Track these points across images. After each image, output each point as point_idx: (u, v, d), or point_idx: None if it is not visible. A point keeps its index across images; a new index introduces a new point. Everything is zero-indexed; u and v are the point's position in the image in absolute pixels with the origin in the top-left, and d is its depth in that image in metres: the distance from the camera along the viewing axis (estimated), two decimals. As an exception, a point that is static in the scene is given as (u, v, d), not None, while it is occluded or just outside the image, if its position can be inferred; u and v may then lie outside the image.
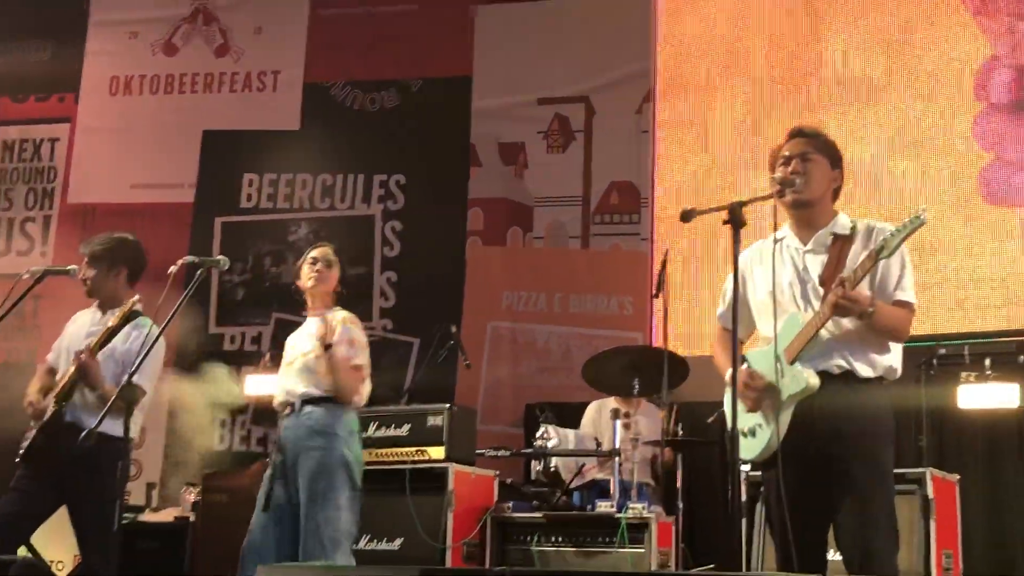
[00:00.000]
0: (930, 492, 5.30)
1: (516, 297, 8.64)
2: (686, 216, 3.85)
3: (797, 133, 4.07)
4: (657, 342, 7.07)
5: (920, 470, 5.40)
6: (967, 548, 5.77)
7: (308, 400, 5.07)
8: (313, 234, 8.77)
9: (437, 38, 9.08)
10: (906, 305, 3.89)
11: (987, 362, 6.57)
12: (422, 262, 8.75)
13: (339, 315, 5.21)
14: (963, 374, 6.60)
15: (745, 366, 3.91)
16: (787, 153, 4.00)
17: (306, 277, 5.25)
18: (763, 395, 3.86)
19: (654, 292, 6.40)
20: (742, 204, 3.78)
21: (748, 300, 4.07)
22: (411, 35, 9.11)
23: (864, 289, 3.82)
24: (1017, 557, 6.64)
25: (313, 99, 9.16)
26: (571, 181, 8.70)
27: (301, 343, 5.24)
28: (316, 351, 5.10)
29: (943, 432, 6.84)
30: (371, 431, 6.09)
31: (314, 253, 5.29)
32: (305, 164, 9.08)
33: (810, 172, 3.95)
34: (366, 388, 5.22)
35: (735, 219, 3.76)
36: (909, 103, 7.48)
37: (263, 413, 7.90)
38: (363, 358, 5.19)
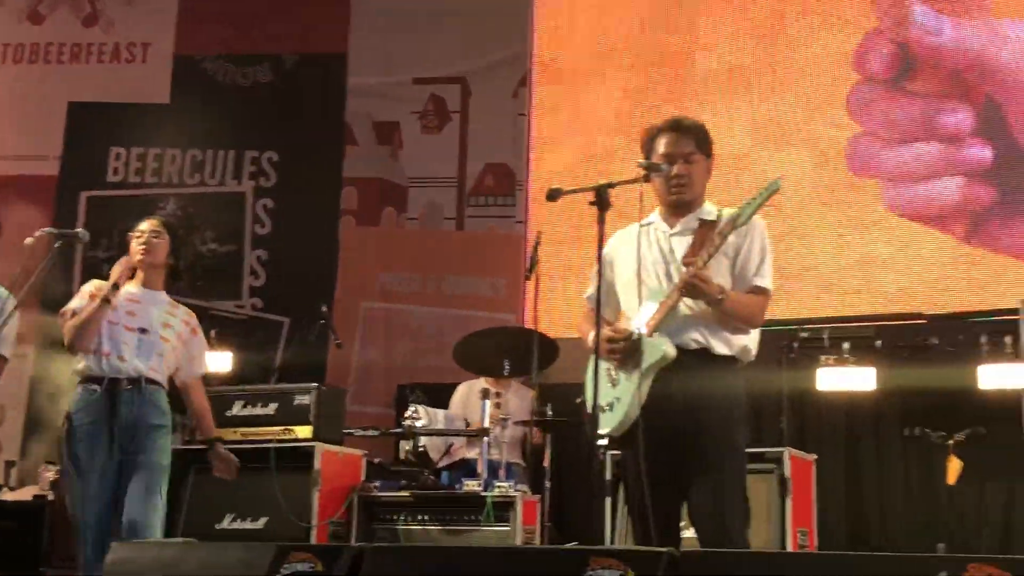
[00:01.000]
0: (787, 471, 5.44)
1: (390, 278, 8.63)
2: (552, 195, 3.87)
3: (676, 127, 4.06)
4: (529, 324, 7.12)
5: (778, 450, 5.54)
6: (823, 526, 5.94)
7: (151, 381, 4.94)
8: (181, 210, 8.64)
9: (312, 14, 8.99)
10: (763, 291, 3.98)
11: (845, 346, 6.80)
12: (294, 241, 8.68)
13: (192, 317, 5.10)
14: (822, 357, 6.81)
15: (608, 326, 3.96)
16: (669, 151, 4.01)
17: (134, 251, 5.07)
18: (628, 349, 3.89)
19: (526, 274, 6.44)
20: (609, 186, 3.84)
21: (615, 281, 4.13)
22: (286, 10, 9.00)
23: (724, 273, 3.90)
24: (872, 536, 6.86)
25: (184, 72, 9.01)
26: (447, 162, 8.72)
27: (147, 317, 5.02)
28: (172, 340, 4.97)
29: (803, 413, 7.04)
30: (237, 410, 6.02)
31: (141, 226, 5.11)
32: (175, 139, 8.93)
33: (692, 173, 4.01)
34: None
35: (601, 201, 3.81)
36: (781, 90, 7.62)
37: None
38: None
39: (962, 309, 6.93)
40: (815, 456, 5.97)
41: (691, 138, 4.03)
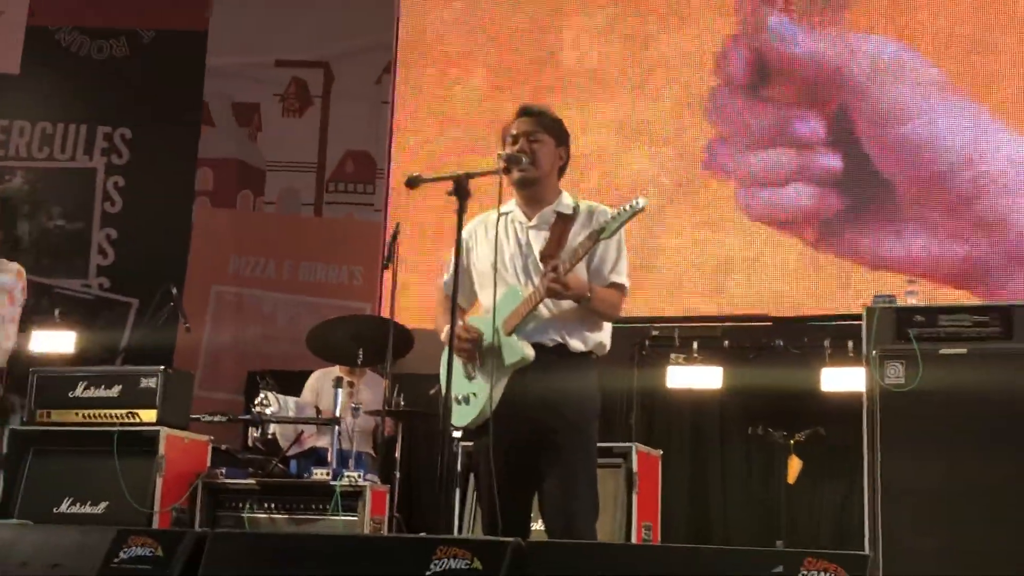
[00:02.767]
0: (635, 466, 5.52)
1: (243, 262, 8.49)
2: (411, 182, 3.90)
3: (524, 112, 4.15)
4: (385, 313, 7.08)
5: (627, 445, 5.63)
6: (668, 521, 6.05)
7: None
8: (29, 185, 8.38)
9: (173, -11, 8.81)
10: (620, 288, 4.05)
11: (695, 345, 6.94)
12: (145, 220, 8.49)
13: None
14: (672, 355, 6.94)
15: (461, 322, 3.97)
16: (514, 132, 4.09)
17: None
18: (477, 347, 3.93)
19: (384, 263, 6.41)
20: (468, 176, 3.86)
21: (471, 269, 4.14)
22: (146, -17, 8.80)
23: (581, 271, 3.94)
24: (713, 531, 7.02)
25: (36, 43, 8.72)
26: (306, 147, 8.62)
27: None
28: None
29: (652, 410, 7.17)
30: (79, 391, 5.84)
31: None
32: (24, 110, 8.65)
33: (536, 151, 4.05)
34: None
35: (460, 190, 3.84)
36: (642, 91, 7.71)
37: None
38: None
39: (808, 312, 7.14)
40: (661, 452, 6.08)
41: (535, 119, 4.11)
